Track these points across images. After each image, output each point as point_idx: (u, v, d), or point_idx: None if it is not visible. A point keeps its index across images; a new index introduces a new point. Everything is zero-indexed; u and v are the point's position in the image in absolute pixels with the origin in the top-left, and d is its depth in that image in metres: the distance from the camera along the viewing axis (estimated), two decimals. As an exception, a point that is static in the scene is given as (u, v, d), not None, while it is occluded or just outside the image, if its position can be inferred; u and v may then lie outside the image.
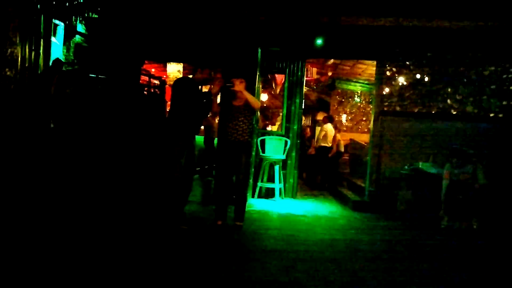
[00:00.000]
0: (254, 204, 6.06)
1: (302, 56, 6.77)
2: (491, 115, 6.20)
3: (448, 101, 6.29)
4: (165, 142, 4.34)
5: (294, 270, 3.22)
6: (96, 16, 5.65)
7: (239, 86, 4.24)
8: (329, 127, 8.82)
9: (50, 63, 5.07)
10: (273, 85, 11.18)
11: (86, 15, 5.40)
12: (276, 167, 6.42)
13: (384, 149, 6.28)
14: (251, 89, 5.90)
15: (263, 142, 6.66)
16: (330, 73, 10.67)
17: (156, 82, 8.76)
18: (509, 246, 4.63)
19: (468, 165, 5.21)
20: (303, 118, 13.03)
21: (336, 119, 11.25)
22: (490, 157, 5.84)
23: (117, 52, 6.14)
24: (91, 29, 6.00)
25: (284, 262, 3.43)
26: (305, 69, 7.06)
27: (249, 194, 6.32)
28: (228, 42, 6.32)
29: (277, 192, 6.42)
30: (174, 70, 9.18)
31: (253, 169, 6.50)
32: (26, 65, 4.72)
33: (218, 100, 4.54)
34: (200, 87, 4.47)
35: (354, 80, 11.06)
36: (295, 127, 6.77)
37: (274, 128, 11.40)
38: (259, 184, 6.50)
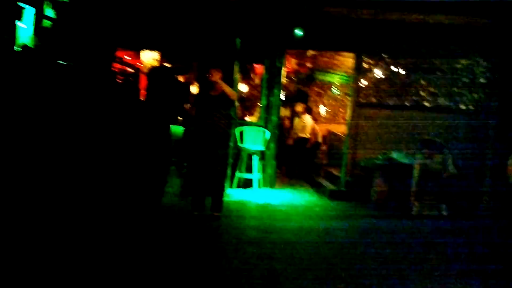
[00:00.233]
0: (233, 194, 6.08)
1: (281, 47, 6.76)
2: (463, 107, 6.40)
3: (422, 93, 6.45)
4: (139, 132, 4.27)
5: (272, 259, 3.28)
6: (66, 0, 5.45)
7: (215, 76, 4.22)
8: (307, 118, 8.90)
9: (17, 49, 4.86)
10: (253, 75, 11.14)
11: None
12: (255, 158, 6.45)
13: (359, 140, 6.41)
14: (229, 80, 5.87)
15: (241, 133, 6.66)
16: (309, 65, 10.72)
17: (130, 70, 8.56)
18: (474, 229, 4.86)
19: (438, 155, 5.39)
20: (282, 109, 13.09)
21: (315, 110, 11.33)
22: (459, 147, 6.05)
23: (88, 38, 5.94)
24: (60, 14, 5.77)
25: (261, 251, 3.48)
26: (285, 60, 7.08)
27: (227, 185, 6.33)
28: (206, 31, 6.25)
29: (255, 183, 6.46)
30: (149, 58, 8.97)
31: (231, 160, 6.50)
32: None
33: (195, 91, 4.51)
34: (176, 76, 4.41)
35: (333, 72, 11.16)
36: (274, 118, 6.80)
37: (253, 118, 11.40)
38: (238, 174, 6.52)
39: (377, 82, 6.46)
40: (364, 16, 6.06)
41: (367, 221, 5.03)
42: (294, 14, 6.24)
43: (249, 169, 6.60)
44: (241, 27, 6.37)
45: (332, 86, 11.96)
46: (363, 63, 6.48)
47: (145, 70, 8.57)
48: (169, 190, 5.68)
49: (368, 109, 6.44)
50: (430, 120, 6.32)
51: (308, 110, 9.28)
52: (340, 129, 10.06)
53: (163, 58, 9.21)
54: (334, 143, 9.27)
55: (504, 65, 6.22)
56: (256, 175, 6.46)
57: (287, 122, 10.67)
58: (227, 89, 4.28)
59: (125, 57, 9.95)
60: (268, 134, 6.67)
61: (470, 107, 6.39)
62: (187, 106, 4.89)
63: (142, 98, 6.59)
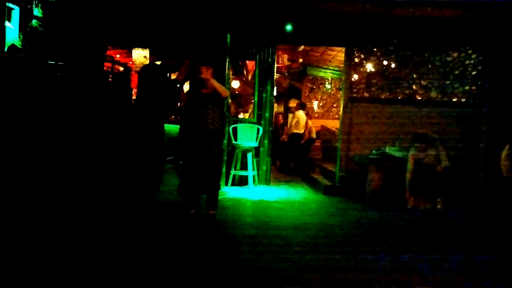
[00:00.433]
0: (228, 192, 6.07)
1: (273, 42, 6.75)
2: (455, 99, 6.44)
3: (414, 87, 6.47)
4: (132, 131, 4.23)
5: (268, 255, 3.28)
6: (53, -1, 5.36)
7: (206, 73, 4.17)
8: (301, 113, 8.90)
9: (5, 49, 4.78)
10: (245, 72, 11.11)
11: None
12: (249, 155, 6.44)
13: (353, 135, 6.42)
14: (221, 76, 5.84)
15: (235, 130, 6.64)
16: (301, 60, 10.71)
17: (121, 68, 8.49)
18: (470, 223, 4.90)
19: (432, 148, 5.42)
20: (276, 105, 13.10)
21: (308, 105, 11.35)
22: (453, 141, 6.09)
23: (78, 37, 5.86)
24: (48, 13, 5.68)
25: (258, 247, 3.47)
26: (276, 55, 7.06)
27: (222, 182, 6.32)
28: (197, 27, 6.19)
29: (250, 180, 6.45)
30: (140, 56, 8.90)
31: (225, 157, 6.49)
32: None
33: (186, 88, 4.47)
34: (168, 74, 4.37)
35: (325, 67, 11.17)
36: (267, 114, 6.79)
37: (247, 115, 11.38)
38: (232, 172, 6.50)
39: (369, 76, 6.47)
40: (354, 10, 6.05)
41: (363, 216, 5.05)
42: (284, 9, 6.21)
43: (243, 166, 6.59)
44: (231, 23, 6.32)
45: (325, 81, 11.98)
46: (355, 58, 6.48)
47: (137, 69, 8.51)
48: (164, 188, 5.67)
49: (360, 104, 6.45)
50: (423, 114, 6.35)
51: (302, 106, 9.29)
52: (333, 124, 10.11)
53: (154, 56, 9.16)
54: (328, 139, 9.30)
55: (495, 57, 6.25)
56: (251, 172, 6.45)
57: (281, 118, 10.68)
58: (219, 86, 4.24)
59: (117, 56, 9.88)
60: (261, 131, 6.66)
61: (462, 99, 6.43)
62: (181, 104, 4.85)
63: (134, 97, 6.55)
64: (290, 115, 11.10)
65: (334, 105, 11.87)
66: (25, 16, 5.33)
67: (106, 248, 3.24)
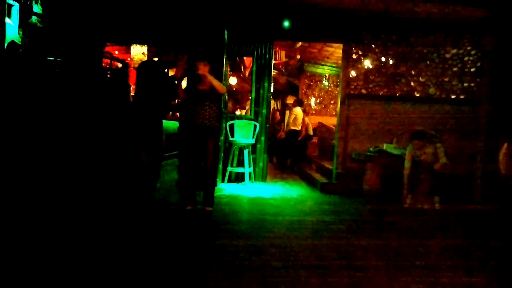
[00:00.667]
0: (224, 188, 6.06)
1: (270, 38, 6.72)
2: (453, 96, 6.43)
3: (412, 83, 6.45)
4: (130, 127, 4.22)
5: (264, 253, 3.27)
6: (53, -5, 5.34)
7: (203, 69, 4.15)
8: (298, 110, 8.88)
9: (5, 46, 4.75)
10: (242, 68, 11.07)
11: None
12: (246, 151, 6.43)
13: (350, 132, 6.41)
14: (219, 73, 5.82)
15: (232, 127, 6.62)
16: (298, 56, 10.68)
17: (119, 65, 8.45)
18: (467, 221, 4.91)
19: (430, 145, 5.41)
20: (273, 102, 13.07)
21: (305, 102, 11.33)
22: (451, 138, 6.08)
23: (76, 34, 5.84)
24: (48, 9, 5.66)
25: (253, 244, 3.46)
26: (273, 52, 7.03)
27: (219, 179, 6.31)
28: (194, 23, 6.16)
29: (247, 176, 6.44)
30: (139, 52, 8.87)
31: (222, 154, 6.47)
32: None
33: (184, 85, 4.44)
34: (166, 70, 4.34)
35: (322, 63, 11.14)
36: (264, 111, 6.77)
37: (244, 112, 11.36)
38: (229, 168, 6.49)
39: (366, 73, 6.45)
40: (352, 6, 6.02)
41: (359, 214, 5.04)
42: (282, 5, 6.18)
43: (240, 163, 6.58)
44: (229, 19, 6.29)
45: (323, 78, 11.96)
46: (352, 54, 6.46)
47: (135, 65, 8.47)
48: (162, 184, 5.65)
49: (358, 101, 6.43)
50: (421, 111, 6.34)
51: (299, 103, 9.26)
52: (331, 121, 10.10)
53: (152, 52, 9.12)
54: (325, 136, 9.28)
55: (494, 53, 6.24)
56: (247, 169, 6.44)
57: (278, 115, 10.66)
58: (216, 82, 4.22)
59: (115, 52, 9.83)
60: (258, 127, 6.64)
61: (461, 96, 6.42)
62: (179, 100, 4.83)
63: (132, 93, 6.52)
64: (287, 112, 11.07)
65: (332, 102, 11.86)
66: (25, 13, 5.29)
67: (102, 244, 3.23)
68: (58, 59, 5.19)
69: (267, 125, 6.83)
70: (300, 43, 9.04)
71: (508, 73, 6.08)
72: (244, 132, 6.58)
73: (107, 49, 8.85)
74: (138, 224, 3.89)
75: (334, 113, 11.22)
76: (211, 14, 6.13)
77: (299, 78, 12.09)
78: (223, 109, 6.24)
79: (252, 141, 6.55)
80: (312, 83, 11.98)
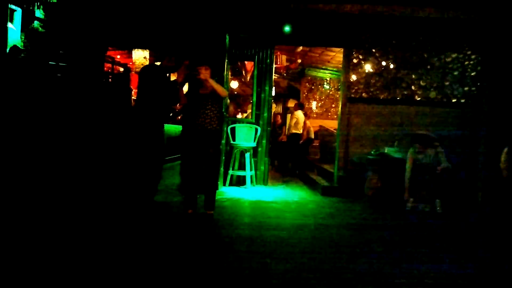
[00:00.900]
0: (226, 192, 6.06)
1: (271, 43, 6.75)
2: (453, 100, 6.44)
3: (413, 87, 6.47)
4: (132, 131, 4.23)
5: (265, 256, 3.26)
6: (55, 0, 5.38)
7: (204, 74, 4.17)
8: (300, 114, 8.90)
9: (7, 51, 4.79)
10: (243, 72, 11.11)
11: (44, -1, 5.13)
12: (247, 155, 6.44)
13: (351, 135, 6.42)
14: (220, 77, 5.84)
15: (233, 130, 6.64)
16: (299, 61, 10.72)
17: (121, 69, 8.50)
18: (468, 225, 4.90)
19: (431, 149, 5.41)
20: (274, 105, 13.10)
21: (306, 106, 11.36)
22: (452, 141, 6.09)
23: (78, 39, 5.89)
24: (50, 14, 5.71)
25: (255, 248, 3.46)
26: (275, 56, 7.06)
27: (220, 182, 6.31)
28: (196, 27, 6.20)
29: (248, 180, 6.45)
30: (140, 56, 8.93)
31: (223, 157, 6.49)
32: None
33: (185, 89, 4.47)
34: (168, 74, 4.37)
35: (323, 67, 11.18)
36: (265, 114, 6.78)
37: (246, 115, 11.39)
38: (230, 172, 6.50)
39: (367, 76, 6.47)
40: (352, 11, 6.05)
41: (361, 217, 5.04)
42: (283, 10, 6.21)
43: (241, 166, 6.59)
44: (230, 24, 6.33)
45: (324, 82, 11.99)
46: (353, 58, 6.48)
47: (136, 69, 8.52)
48: (163, 188, 5.67)
49: (359, 104, 6.45)
50: (422, 114, 6.35)
51: (300, 106, 9.29)
52: (332, 124, 10.12)
53: (154, 56, 9.17)
54: (327, 139, 9.29)
55: (495, 58, 6.26)
56: (248, 172, 6.44)
57: (279, 119, 10.69)
58: (217, 86, 4.24)
59: (117, 56, 9.89)
60: (259, 131, 6.66)
61: (462, 100, 6.43)
62: (180, 105, 4.85)
63: (134, 97, 6.55)
64: (289, 115, 11.10)
65: (333, 106, 11.88)
66: (27, 18, 5.34)
67: (103, 247, 3.23)
68: (60, 64, 5.23)
69: (269, 129, 6.84)
70: (301, 48, 9.09)
71: (508, 77, 6.09)
72: (245, 136, 6.60)
73: (109, 53, 8.91)
74: (138, 227, 3.90)
75: (335, 117, 11.24)
76: (213, 19, 6.18)
77: (300, 82, 12.13)
78: (225, 113, 6.27)
79: (254, 144, 6.57)
80: (313, 87, 12.01)
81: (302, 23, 6.43)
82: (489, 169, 5.86)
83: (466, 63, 6.44)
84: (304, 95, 11.97)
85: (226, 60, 6.35)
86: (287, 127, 9.58)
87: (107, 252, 3.15)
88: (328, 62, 10.50)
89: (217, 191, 4.67)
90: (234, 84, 11.62)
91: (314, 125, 9.86)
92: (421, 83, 6.46)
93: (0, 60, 4.68)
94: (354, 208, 5.49)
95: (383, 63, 6.47)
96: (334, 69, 10.96)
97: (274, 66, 7.01)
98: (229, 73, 6.81)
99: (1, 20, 4.75)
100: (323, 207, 5.45)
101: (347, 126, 6.44)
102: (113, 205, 4.55)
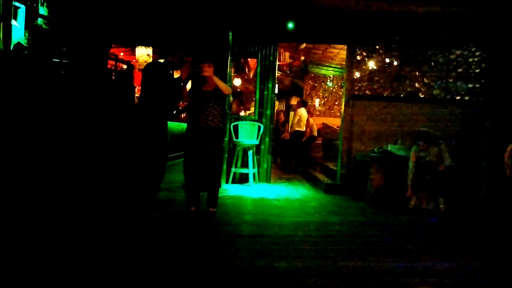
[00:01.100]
0: (228, 189, 6.07)
1: (274, 40, 6.73)
2: (458, 98, 6.40)
3: (416, 84, 6.44)
4: (135, 128, 4.24)
5: (268, 254, 3.27)
6: (59, -3, 5.39)
7: (208, 71, 4.17)
8: (303, 111, 8.88)
9: (11, 48, 4.81)
10: (246, 69, 11.09)
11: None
12: (250, 152, 6.44)
13: (354, 133, 6.40)
14: (223, 74, 5.84)
15: (236, 128, 6.64)
16: (302, 58, 10.69)
17: (124, 66, 8.51)
18: (472, 223, 4.88)
19: (434, 147, 5.38)
20: (277, 103, 13.08)
21: (309, 103, 11.34)
22: (455, 139, 6.06)
23: (82, 36, 5.89)
24: (54, 12, 5.71)
25: (258, 246, 3.46)
26: (278, 53, 7.04)
27: (223, 180, 6.32)
28: (199, 25, 6.19)
29: (251, 177, 6.45)
30: (143, 54, 8.93)
31: (226, 155, 6.49)
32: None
33: (189, 86, 4.47)
34: (171, 72, 4.36)
35: (327, 64, 11.14)
36: (268, 112, 6.77)
37: (249, 113, 11.39)
38: (233, 169, 6.50)
39: (371, 74, 6.45)
40: (356, 7, 6.02)
41: (364, 215, 5.03)
42: (286, 7, 6.19)
43: (244, 164, 6.59)
44: (233, 21, 6.31)
45: (327, 79, 11.96)
46: (357, 55, 6.45)
47: (140, 67, 8.53)
48: (166, 185, 5.68)
49: (362, 101, 6.43)
50: (426, 111, 6.33)
51: (303, 104, 9.27)
52: (335, 122, 10.10)
53: (157, 54, 9.17)
54: (329, 136, 9.28)
55: (499, 55, 6.21)
56: (251, 170, 6.45)
57: (282, 116, 10.68)
58: (220, 83, 4.24)
59: (120, 54, 9.90)
60: (262, 128, 6.65)
61: (466, 98, 6.39)
62: (183, 102, 4.86)
63: (137, 94, 6.56)
64: (292, 113, 11.08)
65: (336, 103, 11.85)
66: (31, 15, 5.35)
67: (105, 245, 3.25)
68: (63, 61, 5.24)
69: (271, 126, 6.84)
70: (304, 45, 9.06)
71: (513, 74, 6.05)
72: (248, 133, 6.60)
73: (112, 50, 8.92)
74: (141, 224, 3.91)
75: (338, 114, 11.22)
76: (216, 16, 6.16)
77: (303, 79, 12.10)
78: (227, 110, 6.26)
79: (256, 142, 6.57)
80: (316, 84, 11.99)
81: (305, 20, 6.40)
82: (493, 166, 5.83)
83: (470, 60, 6.40)
84: (307, 92, 11.94)
85: (229, 58, 6.33)
86: (290, 125, 9.57)
87: (108, 250, 3.16)
88: (332, 59, 10.46)
89: (220, 188, 4.68)
90: (237, 82, 11.60)
91: (317, 122, 9.85)
92: (425, 80, 6.43)
93: (4, 57, 4.69)
94: (357, 206, 5.48)
95: (387, 60, 6.44)
96: (338, 66, 10.92)
97: (277, 63, 6.99)
98: (232, 71, 6.80)
99: (5, 17, 4.76)
100: (325, 205, 5.45)
101: (350, 123, 6.42)
102: (115, 203, 4.57)
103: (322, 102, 11.98)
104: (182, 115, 10.16)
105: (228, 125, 6.48)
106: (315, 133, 9.27)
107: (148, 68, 4.33)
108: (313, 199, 5.82)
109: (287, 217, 4.58)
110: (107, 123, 5.34)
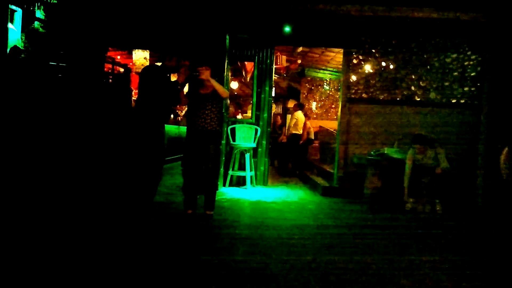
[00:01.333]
0: (226, 192, 6.07)
1: (271, 43, 6.76)
2: (453, 101, 6.44)
3: (413, 88, 6.48)
4: (132, 132, 4.24)
5: (265, 257, 3.27)
6: (55, 1, 5.39)
7: (205, 74, 4.18)
8: (299, 114, 8.90)
9: (7, 51, 4.80)
10: (244, 72, 11.12)
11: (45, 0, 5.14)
12: (247, 155, 6.44)
13: (351, 136, 6.43)
14: (220, 77, 5.84)
15: (233, 130, 6.65)
16: (299, 61, 10.73)
17: (121, 69, 8.51)
18: (468, 226, 4.90)
19: (431, 150, 5.41)
20: (274, 106, 13.11)
21: (306, 106, 11.36)
22: (452, 142, 6.09)
23: (79, 39, 5.89)
24: (50, 15, 5.71)
25: (255, 249, 3.47)
26: (275, 56, 7.07)
27: (220, 183, 6.32)
28: (196, 28, 6.21)
29: (248, 180, 6.45)
30: (140, 57, 8.94)
31: (223, 158, 6.49)
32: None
33: (186, 90, 4.47)
34: (168, 75, 4.37)
35: (323, 68, 11.19)
36: (265, 115, 6.79)
37: (246, 116, 11.40)
38: (230, 172, 6.50)
39: (367, 77, 6.48)
40: (352, 11, 6.05)
41: (361, 217, 5.04)
42: (283, 11, 6.22)
43: (241, 167, 6.60)
44: (230, 24, 6.33)
45: (323, 82, 12.00)
46: (353, 59, 6.49)
47: (137, 70, 8.53)
48: (163, 189, 5.68)
49: (359, 105, 6.45)
50: (422, 115, 6.36)
51: (300, 107, 9.29)
52: (332, 125, 10.13)
53: (154, 57, 9.19)
54: (326, 139, 9.30)
55: (495, 58, 6.26)
56: (248, 172, 6.45)
57: (279, 119, 10.70)
58: (218, 86, 4.25)
59: (117, 57, 9.90)
60: (259, 131, 6.66)
61: (461, 101, 6.43)
62: (180, 106, 4.87)
63: (134, 98, 6.56)
64: (289, 116, 11.10)
65: (333, 106, 11.90)
66: (27, 18, 5.35)
67: (102, 247, 3.24)
68: (60, 64, 5.24)
69: (269, 129, 6.85)
70: (301, 48, 9.09)
71: (509, 78, 6.10)
72: (245, 136, 6.61)
73: (109, 54, 8.92)
74: (138, 227, 3.90)
75: (335, 117, 11.26)
76: (213, 19, 6.18)
77: (300, 83, 12.14)
78: (225, 113, 6.27)
79: (254, 145, 6.58)
80: (313, 88, 12.03)
81: (302, 24, 6.44)
82: (489, 169, 5.86)
83: (466, 63, 6.45)
84: (304, 95, 11.98)
85: (226, 61, 6.35)
86: (287, 128, 9.59)
87: (106, 253, 3.15)
88: (328, 62, 10.51)
89: (217, 191, 4.68)
90: (234, 85, 11.62)
91: (314, 125, 9.87)
92: (421, 83, 6.47)
93: (0, 60, 4.68)
94: (354, 208, 5.49)
95: (383, 64, 6.48)
96: (334, 70, 10.97)
97: (274, 66, 7.02)
98: (229, 74, 6.81)
99: (1, 20, 4.75)
100: (322, 208, 5.46)
101: (347, 126, 6.45)
102: (112, 206, 4.55)
103: (319, 105, 12.02)
104: (179, 118, 10.16)
105: (225, 128, 6.49)
106: (312, 136, 9.30)
107: (145, 72, 4.34)
108: (310, 201, 5.83)
109: (284, 220, 4.59)
110: (104, 126, 5.33)
